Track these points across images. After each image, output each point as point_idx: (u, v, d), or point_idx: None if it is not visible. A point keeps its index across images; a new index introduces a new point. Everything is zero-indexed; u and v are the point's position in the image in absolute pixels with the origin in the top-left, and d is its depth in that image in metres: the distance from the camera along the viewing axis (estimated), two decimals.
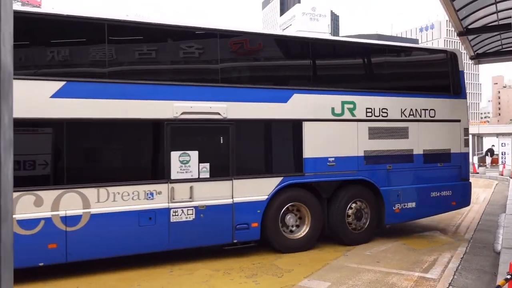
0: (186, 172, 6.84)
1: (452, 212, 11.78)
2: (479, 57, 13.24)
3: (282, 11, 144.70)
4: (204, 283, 6.05)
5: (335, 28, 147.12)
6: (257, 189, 7.35)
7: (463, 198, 9.29)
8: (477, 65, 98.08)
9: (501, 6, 9.36)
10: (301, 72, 8.34)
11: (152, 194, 6.61)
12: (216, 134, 7.24)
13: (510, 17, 8.58)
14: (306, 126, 7.75)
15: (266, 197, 7.37)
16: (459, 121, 9.23)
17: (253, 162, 7.74)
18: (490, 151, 29.42)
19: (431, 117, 8.92)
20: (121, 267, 6.76)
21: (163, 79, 7.11)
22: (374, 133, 8.33)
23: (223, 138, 7.21)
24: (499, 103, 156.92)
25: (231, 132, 7.19)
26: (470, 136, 34.01)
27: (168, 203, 6.69)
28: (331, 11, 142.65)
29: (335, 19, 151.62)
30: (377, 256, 7.37)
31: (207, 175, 6.99)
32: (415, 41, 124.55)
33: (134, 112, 6.57)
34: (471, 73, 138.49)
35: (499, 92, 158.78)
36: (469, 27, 10.57)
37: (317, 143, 7.83)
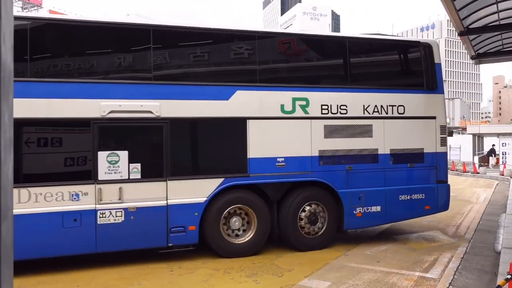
0: (114, 172, 6.58)
1: (453, 212, 11.80)
2: (480, 57, 13.22)
3: (283, 11, 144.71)
4: (204, 282, 6.06)
5: (335, 28, 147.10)
6: (194, 191, 6.99)
7: (439, 202, 8.49)
8: (478, 65, 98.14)
9: (502, 6, 9.34)
10: (245, 67, 7.87)
11: (77, 195, 6.39)
12: (148, 133, 7.00)
13: (511, 17, 8.57)
14: (251, 124, 7.32)
15: (205, 199, 7.02)
16: (434, 118, 8.54)
17: (190, 162, 7.41)
18: (493, 152, 29.36)
19: (400, 114, 8.27)
20: (121, 266, 6.77)
21: (90, 77, 6.87)
22: (330, 132, 7.78)
23: (156, 137, 6.93)
24: (500, 103, 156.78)
25: (165, 131, 6.88)
26: (471, 136, 34.10)
27: (95, 204, 6.46)
28: (332, 10, 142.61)
29: (335, 18, 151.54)
30: (377, 256, 7.37)
31: (138, 176, 6.70)
32: None
33: (59, 111, 6.38)
34: (472, 73, 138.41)
35: (499, 92, 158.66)
36: (470, 27, 10.55)
37: (264, 143, 7.38)
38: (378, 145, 8.08)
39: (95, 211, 6.47)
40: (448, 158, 30.90)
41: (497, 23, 10.25)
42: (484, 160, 29.58)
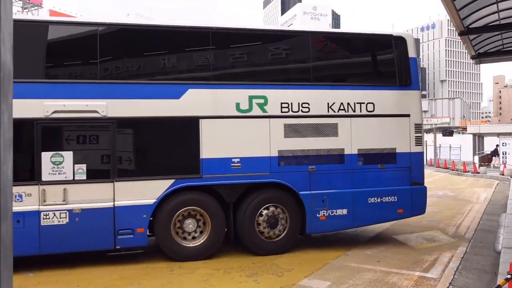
0: (59, 173, 6.45)
1: (453, 212, 11.81)
2: (480, 57, 13.21)
3: (283, 10, 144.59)
4: (204, 282, 6.06)
5: (336, 28, 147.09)
6: (143, 192, 6.80)
7: (413, 205, 7.97)
8: (478, 65, 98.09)
9: (502, 5, 9.33)
10: (197, 65, 7.54)
11: (20, 196, 6.27)
12: (94, 133, 6.84)
13: (511, 16, 8.57)
14: (204, 124, 7.05)
15: (154, 200, 6.81)
16: (408, 116, 7.98)
17: (138, 163, 7.12)
18: (497, 152, 29.34)
19: (369, 111, 7.79)
20: (121, 266, 6.77)
21: (33, 77, 6.68)
22: (291, 131, 7.41)
23: (103, 137, 6.80)
24: (500, 103, 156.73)
25: (112, 131, 6.72)
26: (471, 136, 34.09)
27: (39, 205, 6.35)
28: (332, 10, 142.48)
29: (336, 18, 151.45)
30: (377, 256, 7.37)
31: (83, 177, 6.56)
32: (416, 40, 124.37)
33: None
34: (472, 73, 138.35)
35: (500, 92, 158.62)
36: (470, 26, 10.54)
37: (219, 143, 7.13)
38: (345, 145, 7.67)
39: (38, 213, 6.35)
40: (449, 158, 31.13)
41: (497, 22, 10.25)
42: (487, 160, 29.53)
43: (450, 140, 35.07)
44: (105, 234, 6.64)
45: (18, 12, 61.80)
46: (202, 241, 7.11)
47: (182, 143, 7.27)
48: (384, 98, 7.96)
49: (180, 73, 7.53)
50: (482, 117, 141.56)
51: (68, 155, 6.53)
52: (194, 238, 7.13)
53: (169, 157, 7.24)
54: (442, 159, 31.75)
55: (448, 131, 35.22)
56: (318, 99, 7.62)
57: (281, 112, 7.41)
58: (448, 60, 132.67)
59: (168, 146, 7.18)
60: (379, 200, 7.77)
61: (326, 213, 7.49)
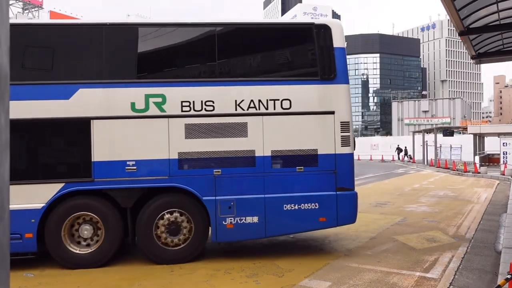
0: None
1: (453, 212, 11.80)
2: (481, 57, 13.23)
3: (284, 11, 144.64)
4: (205, 282, 6.06)
5: None
6: (31, 196, 6.50)
7: (339, 213, 7.10)
8: (478, 65, 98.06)
9: (502, 5, 9.35)
10: (88, 64, 7.03)
11: None
12: None
13: (511, 16, 8.57)
14: (96, 125, 6.70)
15: (42, 205, 6.52)
16: (332, 113, 7.14)
17: (25, 166, 6.72)
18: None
19: (285, 109, 7.05)
20: (121, 266, 6.78)
21: None
22: (193, 132, 6.88)
23: None
24: (501, 103, 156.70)
25: None
26: (471, 136, 34.06)
27: None
28: (333, 10, 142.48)
29: (336, 18, 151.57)
30: (377, 256, 7.37)
31: None
32: (417, 41, 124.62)
33: None
34: (473, 73, 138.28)
35: (500, 92, 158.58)
36: (470, 26, 10.55)
37: (112, 145, 6.74)
38: (255, 146, 6.98)
39: None
40: (449, 157, 31.09)
41: (497, 22, 10.26)
42: (497, 160, 29.39)
43: (450, 140, 35.06)
44: None
45: (19, 13, 61.80)
46: (95, 248, 6.77)
47: (72, 145, 6.93)
48: (303, 94, 7.16)
49: (71, 73, 7.00)
50: (483, 117, 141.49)
51: None
52: (88, 245, 6.81)
53: (59, 160, 6.88)
54: (443, 159, 31.75)
55: (448, 131, 35.18)
56: (224, 96, 7.00)
57: (182, 111, 6.87)
58: (449, 60, 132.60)
59: (58, 148, 6.91)
60: (296, 207, 6.99)
61: (234, 220, 6.87)
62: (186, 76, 7.32)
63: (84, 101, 6.71)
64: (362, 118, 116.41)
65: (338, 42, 7.28)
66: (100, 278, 6.31)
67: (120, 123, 6.78)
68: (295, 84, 7.22)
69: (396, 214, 11.53)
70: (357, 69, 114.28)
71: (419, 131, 41.06)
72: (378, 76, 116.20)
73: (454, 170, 26.75)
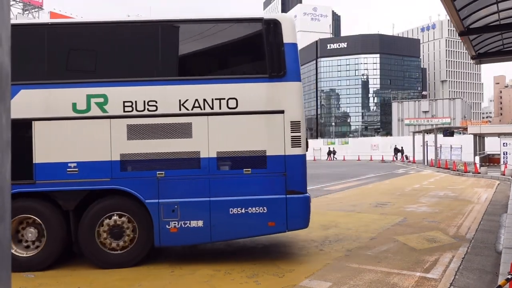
0: None
1: (454, 212, 11.80)
2: (481, 57, 13.24)
3: (284, 11, 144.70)
4: (205, 283, 6.06)
5: (336, 28, 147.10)
6: None
7: (289, 217, 6.77)
8: (478, 65, 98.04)
9: (502, 5, 9.35)
10: (30, 64, 6.89)
11: None
12: None
13: (511, 17, 8.57)
14: (37, 126, 6.60)
15: None
16: (281, 112, 6.83)
17: None
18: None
19: (231, 108, 6.79)
20: (122, 266, 6.77)
21: None
22: (135, 133, 6.70)
23: None
24: (501, 103, 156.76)
25: None
26: (472, 136, 34.05)
27: None
28: (333, 11, 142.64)
29: (336, 19, 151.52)
30: (378, 256, 7.36)
31: None
32: (417, 41, 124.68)
33: None
34: (473, 73, 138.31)
35: (501, 92, 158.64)
36: (471, 26, 10.56)
37: (54, 146, 6.62)
38: (200, 147, 6.76)
39: None
40: (449, 158, 31.07)
41: (497, 23, 10.27)
42: (497, 161, 29.38)
43: (451, 141, 35.08)
44: None
45: (19, 14, 61.83)
46: (37, 251, 6.65)
47: (14, 147, 6.80)
48: (249, 93, 6.89)
49: (13, 73, 7.02)
50: (483, 117, 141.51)
51: None
52: (28, 247, 6.70)
53: None
54: (443, 160, 31.75)
55: (449, 132, 35.21)
56: (168, 96, 6.81)
57: (124, 111, 6.70)
58: (449, 60, 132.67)
59: None
60: (243, 211, 6.73)
61: (178, 224, 6.66)
62: (128, 75, 7.04)
63: (26, 102, 6.59)
64: (362, 118, 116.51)
65: (288, 37, 6.96)
66: (101, 278, 6.31)
67: (61, 124, 6.68)
68: (242, 82, 6.97)
69: (397, 214, 11.53)
70: (357, 70, 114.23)
71: (419, 132, 41.09)
72: (378, 76, 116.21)
73: (454, 171, 26.75)
